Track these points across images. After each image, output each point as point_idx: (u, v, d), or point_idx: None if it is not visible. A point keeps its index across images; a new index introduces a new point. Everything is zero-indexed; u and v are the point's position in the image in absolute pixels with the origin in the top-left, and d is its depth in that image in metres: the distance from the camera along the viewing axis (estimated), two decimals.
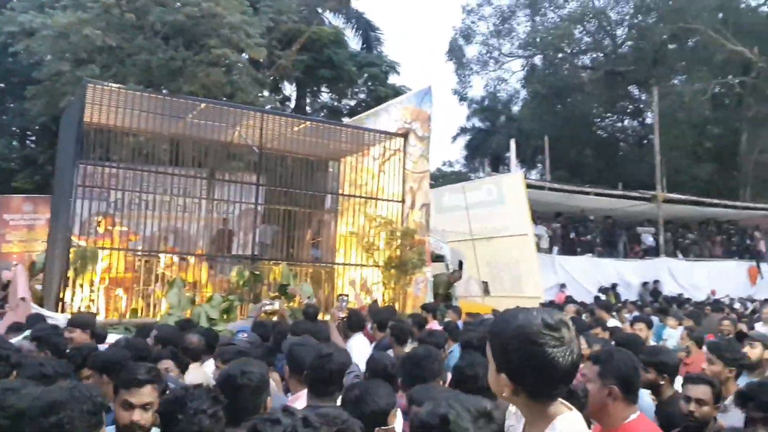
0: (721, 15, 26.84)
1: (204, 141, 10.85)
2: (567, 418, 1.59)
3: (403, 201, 10.76)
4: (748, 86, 27.21)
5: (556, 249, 18.89)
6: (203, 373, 4.58)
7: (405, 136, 10.80)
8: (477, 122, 35.00)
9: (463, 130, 34.89)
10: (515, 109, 32.96)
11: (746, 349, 5.15)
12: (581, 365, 2.78)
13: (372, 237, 10.55)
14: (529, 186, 16.59)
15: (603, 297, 16.05)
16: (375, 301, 9.56)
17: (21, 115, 19.94)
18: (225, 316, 9.03)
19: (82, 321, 6.27)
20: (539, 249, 17.00)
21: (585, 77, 28.26)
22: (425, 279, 10.39)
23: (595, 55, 29.88)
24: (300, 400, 3.28)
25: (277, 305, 7.54)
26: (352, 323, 6.38)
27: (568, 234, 20.06)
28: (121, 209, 10.80)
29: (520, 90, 31.95)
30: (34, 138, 22.22)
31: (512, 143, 18.89)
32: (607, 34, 28.67)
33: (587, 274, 17.81)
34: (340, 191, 11.65)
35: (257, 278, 9.61)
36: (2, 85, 22.08)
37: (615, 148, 30.89)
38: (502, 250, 13.29)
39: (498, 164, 30.59)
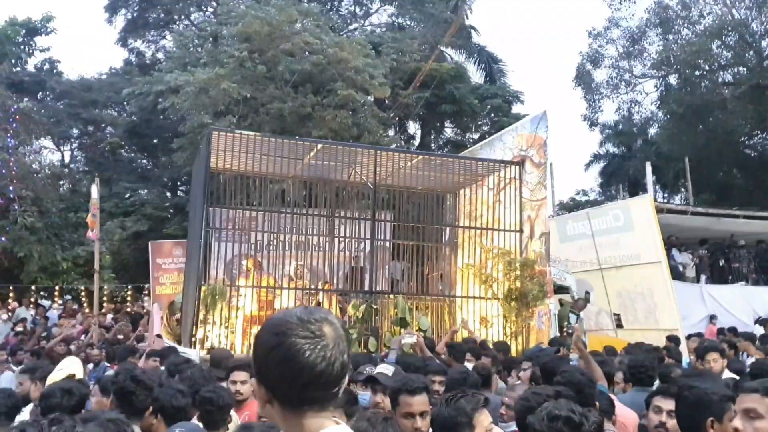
0: None
1: (324, 181, 11.25)
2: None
3: (521, 231, 10.52)
4: None
5: (704, 278, 17.65)
6: None
7: (520, 163, 10.62)
8: (611, 148, 33.52)
9: (597, 157, 33.59)
10: (652, 131, 31.33)
11: None
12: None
13: (490, 269, 10.38)
14: (669, 211, 15.67)
15: (762, 329, 14.73)
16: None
17: (170, 167, 21.72)
18: None
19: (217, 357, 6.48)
20: (685, 278, 15.95)
21: (727, 94, 26.45)
22: (548, 311, 10.05)
23: (736, 70, 27.98)
24: None
25: (416, 338, 7.59)
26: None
27: (717, 261, 18.65)
28: (260, 250, 11.39)
29: (656, 111, 30.37)
30: (183, 188, 24.04)
31: (648, 166, 17.94)
32: (750, 47, 26.75)
33: (740, 305, 16.36)
34: (457, 224, 11.60)
35: (375, 312, 9.74)
36: (155, 140, 24.22)
37: (766, 167, 28.57)
38: (633, 279, 12.53)
39: (637, 190, 29.10)
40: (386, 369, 3.86)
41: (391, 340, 9.32)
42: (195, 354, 8.04)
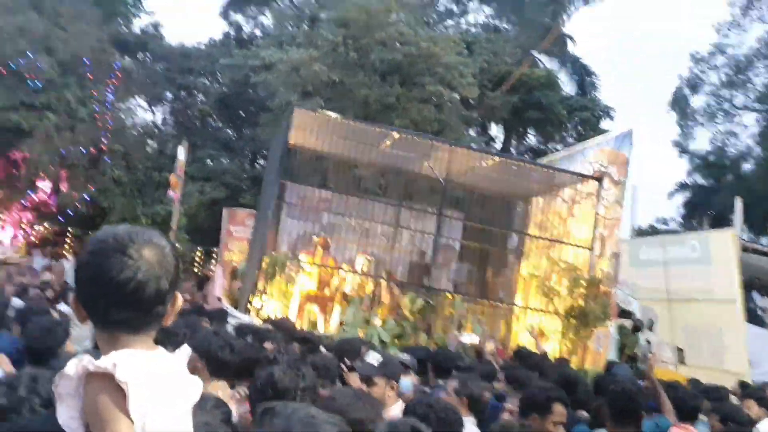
0: None
1: (396, 171, 11.27)
2: (125, 354, 1.29)
3: (591, 248, 10.24)
4: None
5: None
6: None
7: (599, 179, 10.32)
8: (699, 178, 32.20)
9: (683, 186, 32.23)
10: (746, 167, 29.95)
11: None
12: None
13: (554, 282, 10.16)
14: (755, 251, 14.94)
15: None
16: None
17: (253, 140, 22.26)
18: (396, 341, 9.23)
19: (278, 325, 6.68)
20: (764, 324, 15.21)
21: None
22: (608, 334, 9.77)
23: None
24: None
25: (476, 339, 7.47)
26: None
27: None
28: (328, 232, 11.54)
29: (754, 146, 28.97)
30: (261, 162, 24.56)
31: (737, 202, 17.12)
32: None
33: None
34: (527, 232, 11.41)
35: (431, 308, 9.70)
36: (242, 113, 24.83)
37: None
38: (703, 315, 11.98)
39: (721, 226, 27.91)
40: (373, 359, 4.35)
41: (443, 339, 9.31)
42: (247, 320, 8.20)
